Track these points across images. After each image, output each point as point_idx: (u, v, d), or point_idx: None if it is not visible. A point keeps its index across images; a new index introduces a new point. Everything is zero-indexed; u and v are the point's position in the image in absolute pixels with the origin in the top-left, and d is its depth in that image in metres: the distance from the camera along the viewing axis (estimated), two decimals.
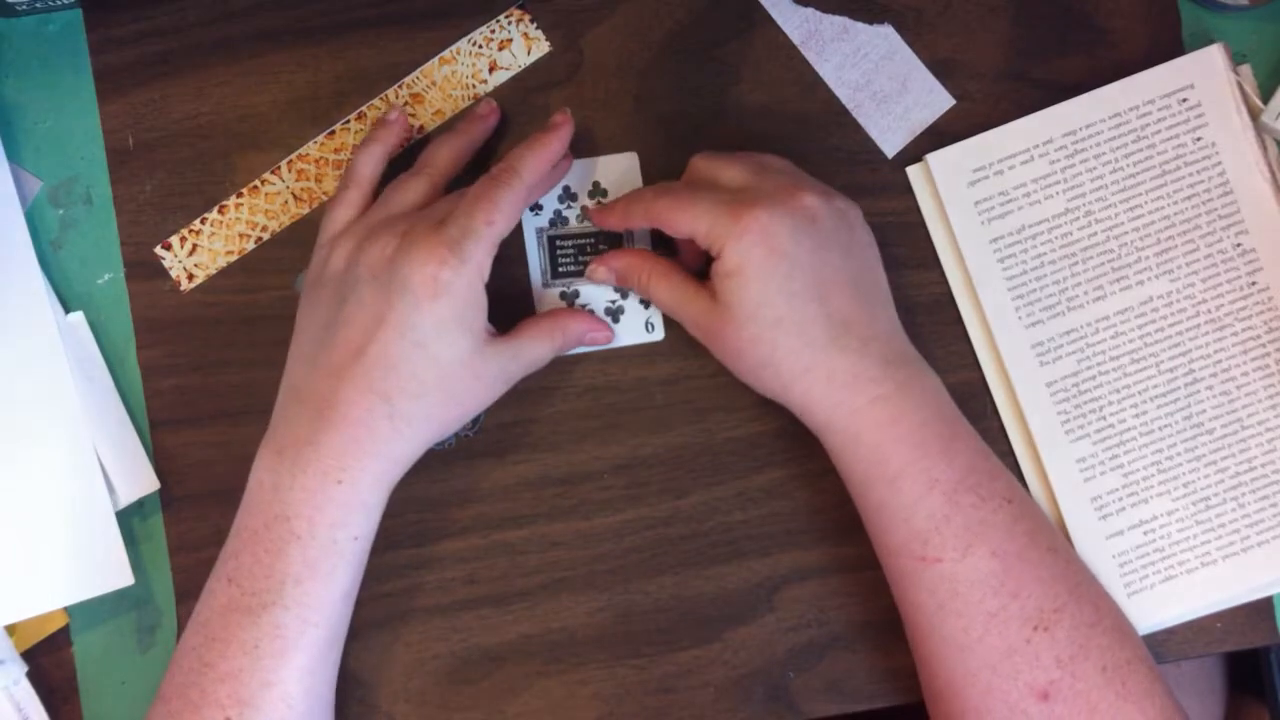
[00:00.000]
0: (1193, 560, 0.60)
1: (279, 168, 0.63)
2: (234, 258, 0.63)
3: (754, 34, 0.63)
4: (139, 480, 0.61)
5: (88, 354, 0.62)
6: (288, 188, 0.63)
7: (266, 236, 0.63)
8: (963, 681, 0.54)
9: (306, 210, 0.63)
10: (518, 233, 0.63)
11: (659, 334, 0.63)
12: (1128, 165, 0.61)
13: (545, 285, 0.63)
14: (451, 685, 0.62)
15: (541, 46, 0.63)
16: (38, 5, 0.62)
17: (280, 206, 0.63)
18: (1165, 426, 0.61)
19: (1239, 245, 0.61)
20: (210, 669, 0.54)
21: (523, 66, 0.63)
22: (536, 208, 0.63)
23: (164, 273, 0.63)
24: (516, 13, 0.63)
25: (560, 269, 0.63)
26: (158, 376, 0.62)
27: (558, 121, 0.60)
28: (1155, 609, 0.60)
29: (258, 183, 0.63)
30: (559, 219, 0.63)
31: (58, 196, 0.63)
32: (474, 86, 0.63)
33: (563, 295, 0.63)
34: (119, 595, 0.61)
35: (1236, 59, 0.62)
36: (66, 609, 0.61)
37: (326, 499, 0.54)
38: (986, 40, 0.63)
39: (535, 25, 0.63)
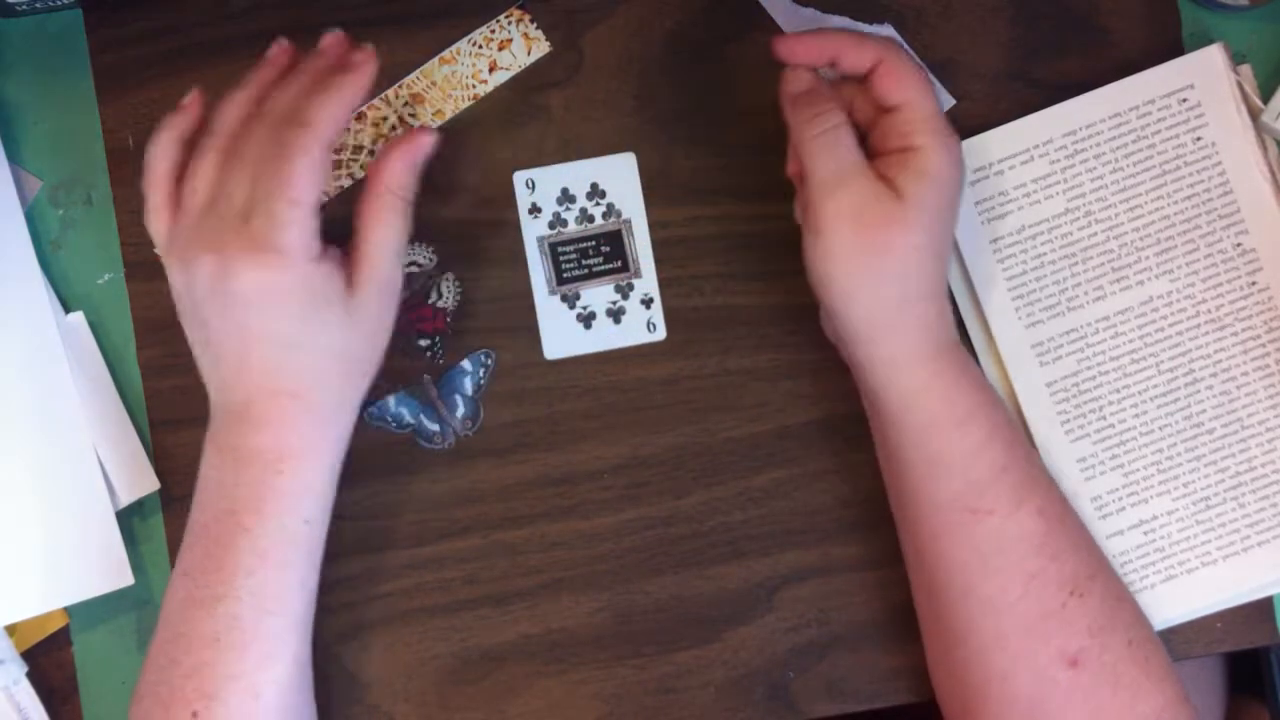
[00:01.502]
0: (1193, 560, 0.60)
1: None
2: None
3: (754, 34, 0.63)
4: (139, 480, 0.61)
5: (88, 354, 0.62)
6: None
7: None
8: (992, 647, 0.54)
9: None
10: (517, 239, 0.63)
11: (660, 334, 0.63)
12: (1128, 165, 0.61)
13: (550, 292, 0.63)
14: (451, 685, 0.62)
15: (542, 46, 0.63)
16: (38, 5, 0.62)
17: None
18: (1165, 426, 0.61)
19: (1239, 245, 0.61)
20: (176, 665, 0.53)
21: (523, 66, 0.63)
22: (535, 210, 0.63)
23: (164, 273, 0.63)
24: (516, 13, 0.63)
25: (564, 275, 0.63)
26: (158, 376, 0.62)
27: (358, 60, 0.54)
28: (1156, 609, 0.60)
29: None
30: (558, 221, 0.63)
31: (58, 196, 0.63)
32: (474, 86, 0.63)
33: (564, 298, 0.63)
34: (119, 595, 0.61)
35: (1236, 59, 0.62)
36: (66, 609, 0.61)
37: (270, 490, 0.54)
38: (986, 40, 0.63)
39: (535, 25, 0.63)
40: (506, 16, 0.63)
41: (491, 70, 0.63)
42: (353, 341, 0.54)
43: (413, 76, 0.63)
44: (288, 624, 0.55)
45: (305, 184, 0.51)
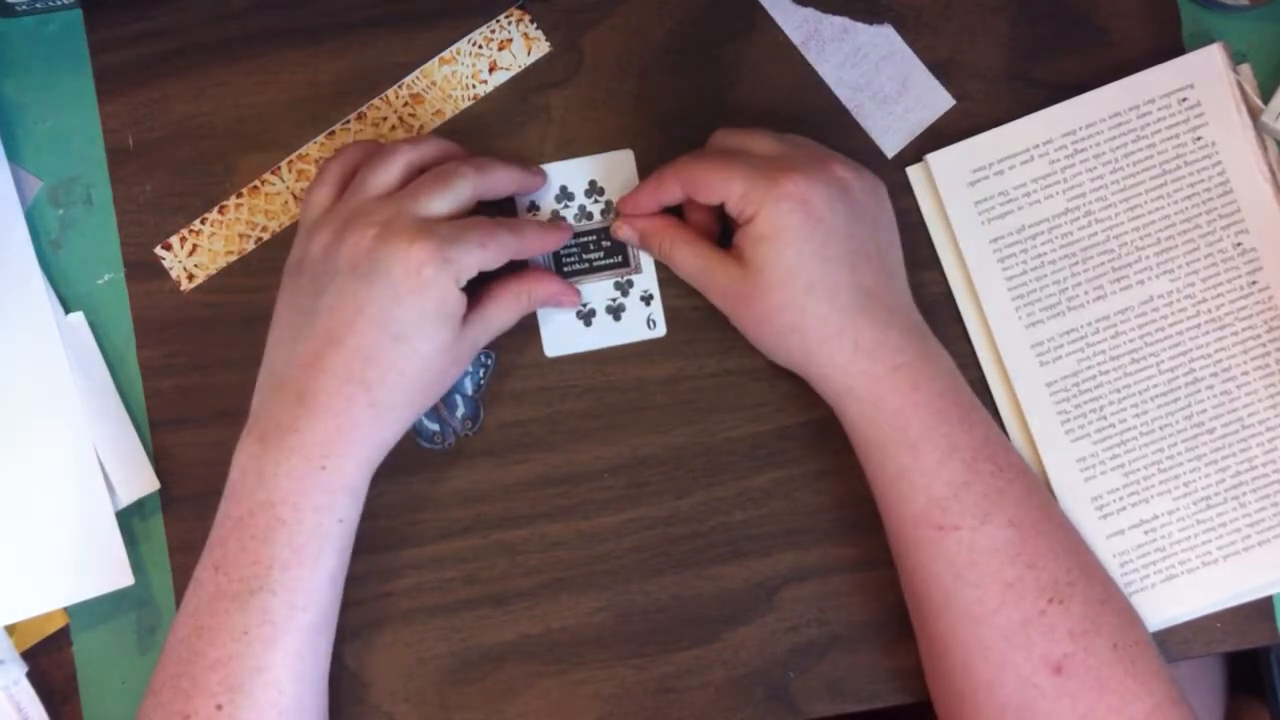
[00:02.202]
0: (1193, 560, 0.60)
1: (279, 168, 0.63)
2: (234, 258, 0.63)
3: (754, 34, 0.63)
4: (139, 480, 0.61)
5: (88, 354, 0.62)
6: (288, 188, 0.63)
7: (266, 236, 0.63)
8: (975, 655, 0.54)
9: None
10: None
11: (660, 330, 0.63)
12: (1128, 165, 0.61)
13: None
14: (451, 685, 0.62)
15: (541, 46, 0.63)
16: (38, 5, 0.62)
17: (280, 207, 0.63)
18: (1166, 426, 0.61)
19: (1239, 245, 0.61)
20: (200, 657, 0.54)
21: (523, 66, 0.63)
22: (533, 208, 0.63)
23: (164, 273, 0.63)
24: (516, 13, 0.63)
25: (565, 268, 0.63)
26: (158, 376, 0.62)
27: (564, 227, 0.62)
28: (1156, 608, 0.60)
29: (258, 183, 0.63)
30: (557, 219, 0.63)
31: (58, 196, 0.63)
32: (474, 86, 0.63)
33: None
34: (119, 595, 0.61)
35: (1236, 59, 0.63)
36: (66, 609, 0.61)
37: (312, 484, 0.54)
38: (986, 40, 0.63)
39: (535, 25, 0.63)
40: (506, 16, 0.63)
41: (491, 70, 0.63)
42: (445, 361, 0.56)
43: (413, 76, 0.63)
44: (316, 620, 0.55)
45: (499, 246, 0.56)
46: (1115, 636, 0.54)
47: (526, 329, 0.63)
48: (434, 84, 0.63)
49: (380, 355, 0.54)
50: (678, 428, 0.63)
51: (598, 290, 0.63)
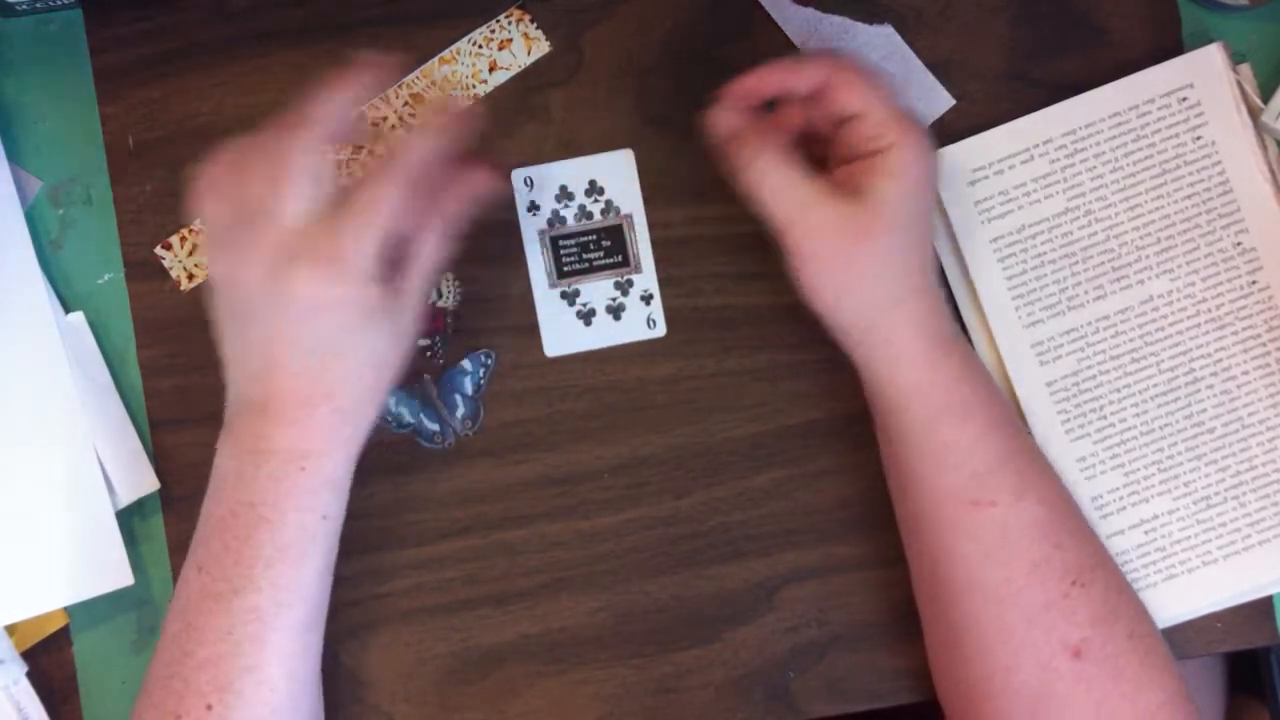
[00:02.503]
0: (1194, 559, 0.60)
1: None
2: None
3: (754, 34, 0.63)
4: (139, 480, 0.61)
5: (88, 354, 0.62)
6: None
7: None
8: (995, 639, 0.54)
9: None
10: (517, 238, 0.63)
11: (660, 330, 0.63)
12: (1128, 164, 0.61)
13: (551, 286, 0.63)
14: (451, 685, 0.62)
15: (541, 46, 0.63)
16: (38, 5, 0.62)
17: None
18: (1166, 425, 0.61)
19: (1239, 244, 0.61)
20: (190, 657, 0.53)
21: (523, 66, 0.63)
22: (533, 208, 0.63)
23: (164, 273, 0.63)
24: (516, 13, 0.63)
25: (565, 269, 0.63)
26: (158, 376, 0.62)
27: (460, 112, 0.55)
28: (1156, 608, 0.60)
29: None
30: (556, 219, 0.63)
31: (58, 196, 0.63)
32: (474, 86, 0.63)
33: (563, 295, 0.63)
34: (119, 595, 0.61)
35: (1236, 59, 0.62)
36: (66, 609, 0.61)
37: (292, 485, 0.54)
38: (986, 40, 0.63)
39: (535, 25, 0.63)
40: (506, 16, 0.63)
41: (491, 70, 0.63)
42: (389, 349, 0.54)
43: (412, 76, 0.63)
44: (304, 618, 0.55)
45: (389, 197, 0.51)
46: (1132, 625, 0.54)
47: (527, 329, 0.63)
48: (434, 84, 0.63)
49: (326, 373, 0.53)
50: (678, 428, 0.63)
51: (598, 290, 0.63)
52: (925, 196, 0.55)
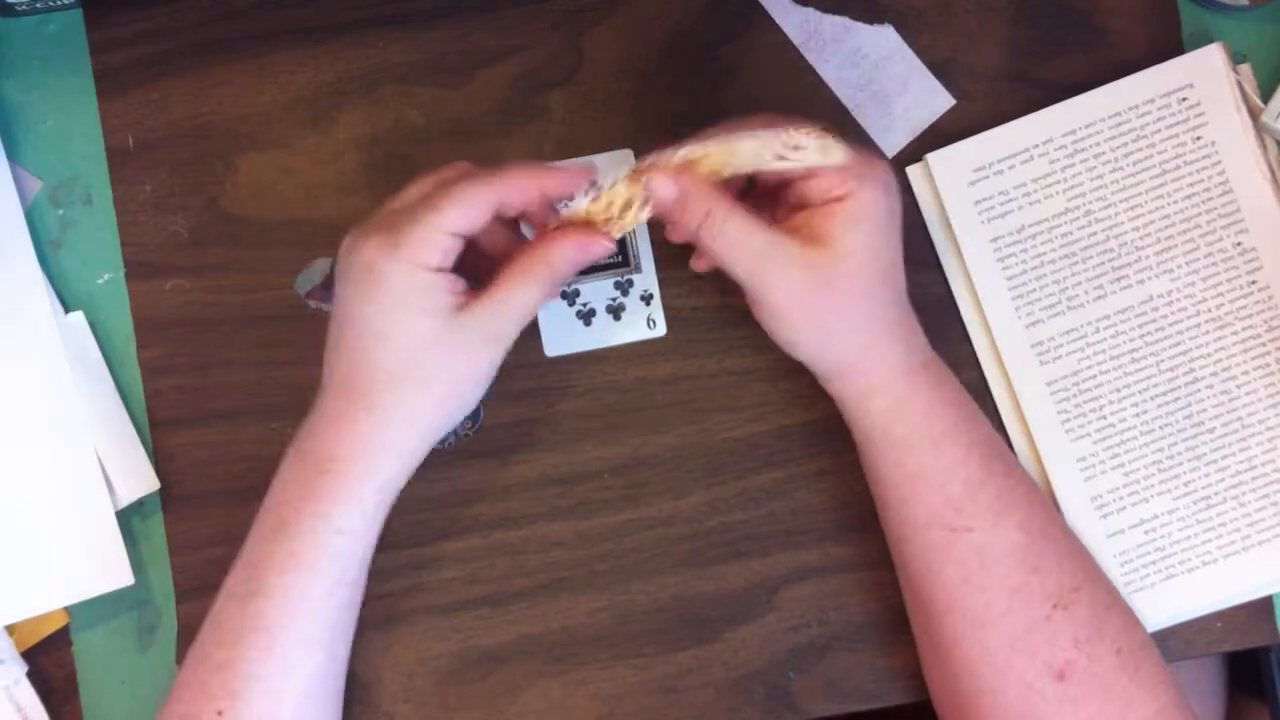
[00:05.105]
0: (1194, 559, 0.60)
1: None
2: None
3: (754, 34, 0.63)
4: (139, 480, 0.61)
5: (88, 354, 0.62)
6: None
7: None
8: (979, 661, 0.54)
9: None
10: (516, 234, 0.63)
11: (660, 330, 0.63)
12: (1128, 165, 0.61)
13: None
14: (451, 685, 0.62)
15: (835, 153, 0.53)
16: (38, 5, 0.62)
17: None
18: (1166, 425, 0.61)
19: (1239, 244, 0.61)
20: (209, 659, 0.54)
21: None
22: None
23: (164, 272, 0.63)
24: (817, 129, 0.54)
25: None
26: (158, 376, 0.62)
27: (576, 170, 0.55)
28: (1156, 608, 0.60)
29: None
30: (555, 216, 0.63)
31: (58, 196, 0.63)
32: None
33: (563, 295, 0.63)
34: (119, 595, 0.61)
35: (1236, 59, 0.63)
36: (66, 609, 0.61)
37: (311, 489, 0.54)
38: (986, 40, 0.63)
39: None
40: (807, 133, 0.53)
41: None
42: (440, 353, 0.53)
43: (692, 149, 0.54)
44: (313, 633, 0.54)
45: (466, 204, 0.52)
46: (1119, 642, 0.54)
47: (527, 331, 0.62)
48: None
49: (362, 356, 0.53)
50: (678, 428, 0.63)
51: (598, 290, 0.63)
52: (892, 232, 0.54)
